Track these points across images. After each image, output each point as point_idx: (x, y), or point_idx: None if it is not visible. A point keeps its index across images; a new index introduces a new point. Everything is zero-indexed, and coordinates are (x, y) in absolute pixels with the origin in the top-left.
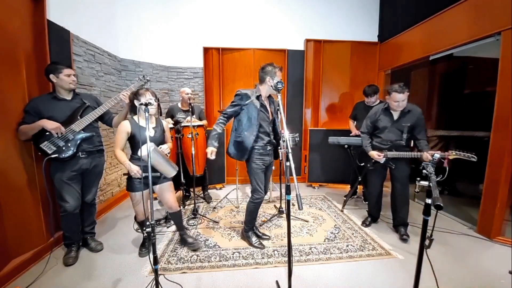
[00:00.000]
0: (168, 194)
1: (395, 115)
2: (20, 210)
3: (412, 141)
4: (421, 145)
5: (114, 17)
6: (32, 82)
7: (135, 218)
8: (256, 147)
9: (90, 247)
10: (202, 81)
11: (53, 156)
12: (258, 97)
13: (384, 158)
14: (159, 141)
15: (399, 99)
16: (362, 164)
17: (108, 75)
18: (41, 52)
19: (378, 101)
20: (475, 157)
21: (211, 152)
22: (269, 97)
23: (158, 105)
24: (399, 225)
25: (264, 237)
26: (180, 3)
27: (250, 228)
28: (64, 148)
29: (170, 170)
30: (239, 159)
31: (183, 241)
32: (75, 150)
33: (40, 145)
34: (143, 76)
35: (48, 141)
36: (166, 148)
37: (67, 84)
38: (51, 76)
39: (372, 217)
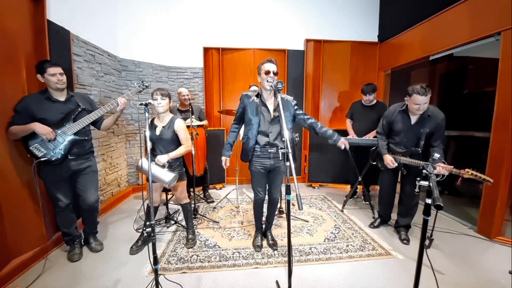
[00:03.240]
0: (178, 191)
1: (413, 119)
2: (20, 210)
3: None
4: (435, 154)
5: (114, 17)
6: (32, 82)
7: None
8: (255, 148)
9: (91, 246)
10: (202, 81)
11: (42, 159)
12: (258, 95)
13: (396, 164)
14: (166, 140)
15: (420, 102)
16: (374, 163)
17: (108, 75)
18: (41, 52)
19: (375, 101)
20: (491, 180)
21: (224, 161)
22: (275, 95)
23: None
24: (401, 226)
25: (271, 242)
26: (180, 3)
27: (258, 226)
28: (53, 151)
29: (164, 181)
30: (244, 161)
31: (187, 234)
32: (64, 154)
33: (30, 148)
34: (142, 82)
35: (38, 143)
36: (160, 158)
37: (53, 84)
38: (38, 76)
39: (382, 219)
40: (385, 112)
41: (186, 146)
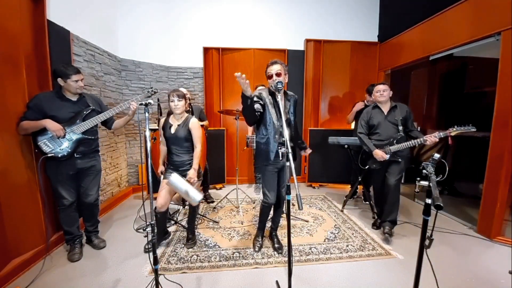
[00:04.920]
0: None
1: (385, 110)
2: (20, 210)
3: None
4: (416, 134)
5: (114, 17)
6: (32, 82)
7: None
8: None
9: (94, 244)
10: (202, 81)
11: (49, 155)
12: (272, 94)
13: (388, 155)
14: (181, 138)
15: (380, 89)
16: (367, 167)
17: (108, 75)
18: (41, 52)
19: None
20: (474, 127)
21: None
22: (286, 94)
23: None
24: (386, 221)
25: (276, 245)
26: (180, 3)
27: (260, 227)
28: (61, 148)
29: (192, 198)
30: (260, 164)
31: (187, 234)
32: (71, 151)
33: (38, 143)
34: (151, 88)
35: (46, 139)
36: (191, 174)
37: (74, 89)
38: (59, 80)
39: (382, 218)
40: (361, 115)
41: (199, 149)
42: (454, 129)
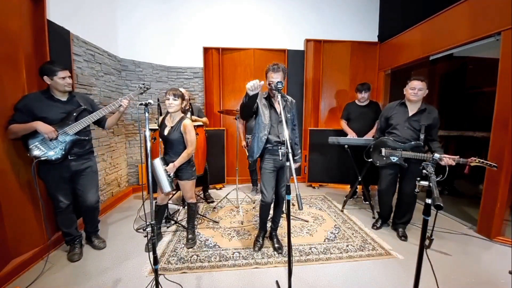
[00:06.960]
0: (185, 190)
1: (411, 111)
2: (20, 210)
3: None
4: (434, 146)
5: (114, 17)
6: (31, 82)
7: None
8: (267, 147)
9: (94, 244)
10: (202, 81)
11: (42, 158)
12: (266, 98)
13: (397, 158)
14: (174, 140)
15: (415, 86)
16: (370, 160)
17: (108, 75)
18: (41, 52)
19: (369, 100)
20: (496, 165)
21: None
22: (283, 96)
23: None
24: (399, 224)
25: (276, 245)
26: (180, 3)
27: (261, 226)
28: (54, 150)
29: (161, 187)
30: (252, 158)
31: (187, 234)
32: (65, 153)
33: (30, 147)
34: (143, 84)
35: (38, 142)
36: (168, 169)
37: (61, 87)
38: (45, 78)
39: (383, 219)
40: (384, 109)
41: (189, 151)
42: (476, 161)
